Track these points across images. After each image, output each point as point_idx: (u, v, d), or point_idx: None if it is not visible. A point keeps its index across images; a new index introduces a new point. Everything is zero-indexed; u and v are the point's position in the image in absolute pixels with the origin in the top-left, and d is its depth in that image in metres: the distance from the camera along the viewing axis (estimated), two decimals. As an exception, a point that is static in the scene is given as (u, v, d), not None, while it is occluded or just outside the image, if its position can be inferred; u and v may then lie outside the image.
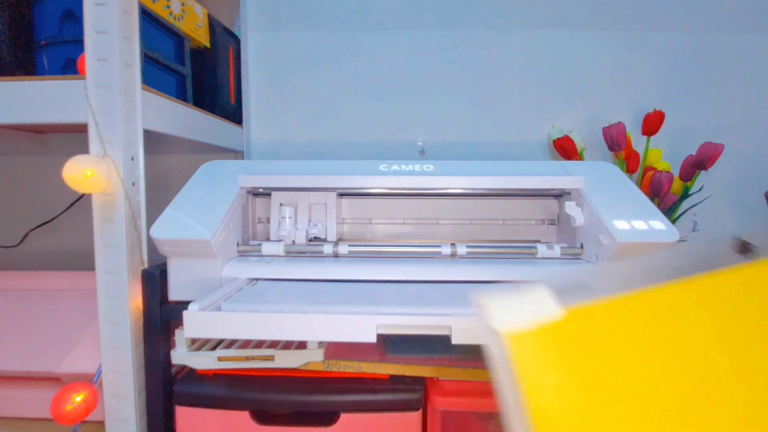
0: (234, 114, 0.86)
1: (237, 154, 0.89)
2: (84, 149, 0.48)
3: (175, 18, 0.67)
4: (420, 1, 0.88)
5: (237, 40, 0.88)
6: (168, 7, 0.65)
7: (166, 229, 0.50)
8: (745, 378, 0.22)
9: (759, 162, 0.88)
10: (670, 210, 0.81)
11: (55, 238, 0.89)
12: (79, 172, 0.46)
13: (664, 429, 0.21)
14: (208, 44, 0.78)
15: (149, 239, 0.51)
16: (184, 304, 0.42)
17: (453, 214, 0.68)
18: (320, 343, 0.52)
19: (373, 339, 0.40)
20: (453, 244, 0.57)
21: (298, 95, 0.91)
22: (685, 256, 0.35)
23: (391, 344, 0.56)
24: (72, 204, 0.82)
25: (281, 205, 0.61)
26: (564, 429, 0.21)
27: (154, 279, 0.50)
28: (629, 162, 0.82)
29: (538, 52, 0.89)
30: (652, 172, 0.79)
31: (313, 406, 0.51)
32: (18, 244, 0.89)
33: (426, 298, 0.46)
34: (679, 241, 0.49)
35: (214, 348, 0.52)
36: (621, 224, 0.51)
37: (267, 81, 0.91)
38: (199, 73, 0.76)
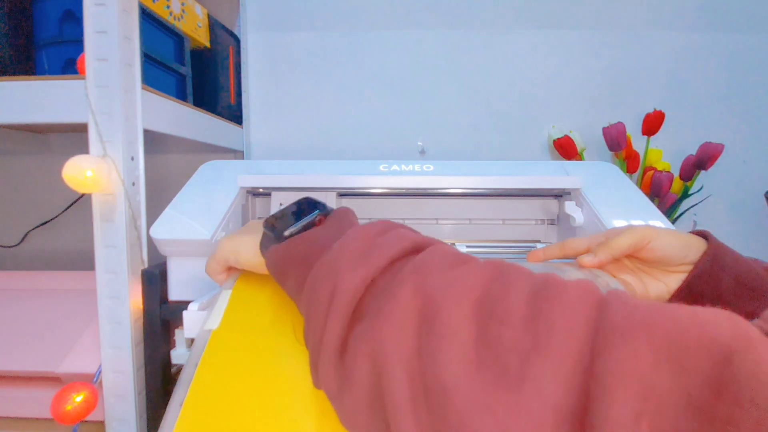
0: (234, 114, 0.86)
1: (237, 154, 0.89)
2: (84, 149, 0.48)
3: (175, 18, 0.67)
4: (420, 1, 0.88)
5: (237, 40, 0.88)
6: (168, 7, 0.65)
7: (166, 229, 0.50)
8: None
9: (759, 162, 0.88)
10: (670, 210, 0.81)
11: (55, 238, 0.89)
12: (79, 172, 0.46)
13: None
14: (208, 44, 0.78)
15: (149, 239, 0.51)
16: (184, 304, 0.42)
17: (453, 214, 0.68)
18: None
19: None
20: (453, 244, 0.57)
21: (298, 95, 0.91)
22: None
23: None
24: (72, 204, 0.82)
25: (281, 205, 0.61)
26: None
27: (154, 279, 0.50)
28: (629, 162, 0.82)
29: (538, 52, 0.89)
30: (652, 172, 0.79)
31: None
32: (18, 244, 0.89)
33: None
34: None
35: (214, 348, 0.52)
36: (621, 224, 0.51)
37: (267, 81, 0.91)
38: (199, 73, 0.76)
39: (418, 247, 0.28)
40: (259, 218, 0.65)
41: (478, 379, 0.20)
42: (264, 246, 0.35)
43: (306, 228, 0.33)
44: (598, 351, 0.18)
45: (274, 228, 0.34)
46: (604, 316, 0.19)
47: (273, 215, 0.35)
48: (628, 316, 0.19)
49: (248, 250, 0.37)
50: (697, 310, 0.18)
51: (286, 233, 0.33)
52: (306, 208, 0.35)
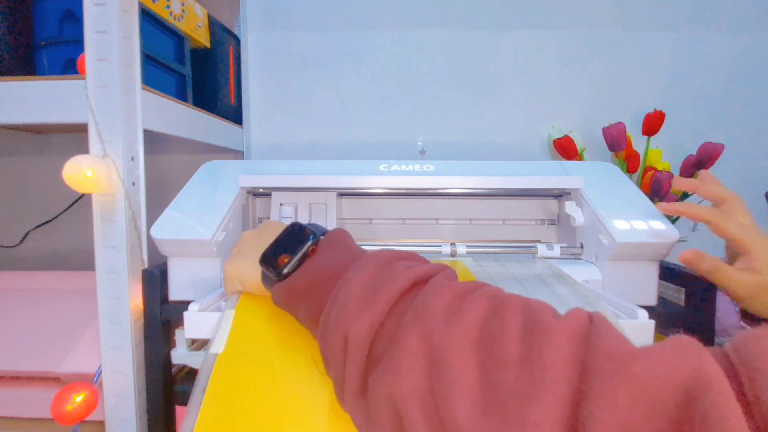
0: (234, 114, 0.86)
1: (237, 154, 0.89)
2: (84, 149, 0.48)
3: (175, 18, 0.67)
4: (420, 1, 0.88)
5: (237, 40, 0.88)
6: (168, 7, 0.65)
7: (166, 229, 0.50)
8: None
9: (759, 162, 0.88)
10: (670, 210, 0.81)
11: (55, 238, 0.89)
12: (79, 172, 0.46)
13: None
14: (208, 44, 0.78)
15: (149, 239, 0.51)
16: (185, 304, 0.42)
17: (453, 214, 0.68)
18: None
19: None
20: (453, 244, 0.57)
21: (298, 95, 0.91)
22: None
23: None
24: (72, 204, 0.82)
25: (281, 205, 0.61)
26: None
27: (154, 279, 0.50)
28: (629, 162, 0.82)
29: (538, 52, 0.89)
30: (652, 172, 0.79)
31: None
32: (18, 244, 0.89)
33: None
34: (679, 241, 0.49)
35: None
36: (621, 224, 0.51)
37: (267, 81, 0.91)
38: (199, 73, 0.76)
39: (418, 281, 0.29)
40: (260, 218, 0.65)
41: (487, 423, 0.22)
42: (266, 282, 0.37)
43: (302, 260, 0.35)
44: (584, 395, 0.21)
45: (272, 266, 0.35)
46: (589, 359, 0.22)
47: (268, 251, 0.36)
48: (608, 361, 0.21)
49: (252, 277, 0.38)
50: (665, 350, 0.20)
51: (285, 271, 0.34)
52: (296, 236, 0.36)
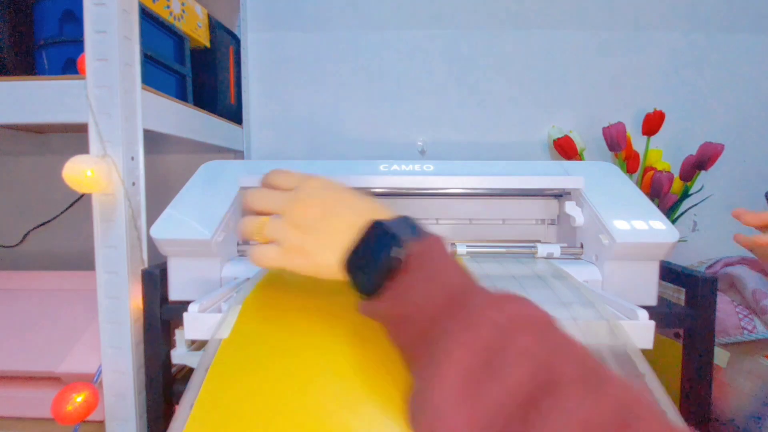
0: (234, 114, 0.86)
1: (237, 154, 0.89)
2: (84, 149, 0.48)
3: (175, 18, 0.67)
4: (420, 1, 0.88)
5: (237, 40, 0.88)
6: (168, 7, 0.65)
7: (166, 229, 0.50)
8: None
9: (759, 162, 0.88)
10: (670, 210, 0.81)
11: (55, 238, 0.89)
12: (79, 172, 0.46)
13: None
14: (208, 44, 0.78)
15: (149, 239, 0.51)
16: (184, 304, 0.42)
17: (453, 214, 0.68)
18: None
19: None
20: (453, 244, 0.57)
21: (298, 95, 0.91)
22: None
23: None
24: (72, 204, 0.82)
25: (281, 205, 0.61)
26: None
27: (154, 279, 0.50)
28: (629, 162, 0.82)
29: (538, 52, 0.89)
30: (652, 172, 0.79)
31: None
32: (18, 244, 0.89)
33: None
34: (679, 241, 0.49)
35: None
36: (621, 224, 0.51)
37: (267, 80, 0.91)
38: (199, 73, 0.76)
39: (538, 387, 0.22)
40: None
41: None
42: (356, 288, 0.32)
43: (387, 275, 0.30)
44: None
45: (355, 280, 0.32)
46: None
47: (352, 257, 0.32)
48: None
49: (331, 265, 0.33)
50: None
51: (367, 291, 0.31)
52: (379, 242, 0.31)
